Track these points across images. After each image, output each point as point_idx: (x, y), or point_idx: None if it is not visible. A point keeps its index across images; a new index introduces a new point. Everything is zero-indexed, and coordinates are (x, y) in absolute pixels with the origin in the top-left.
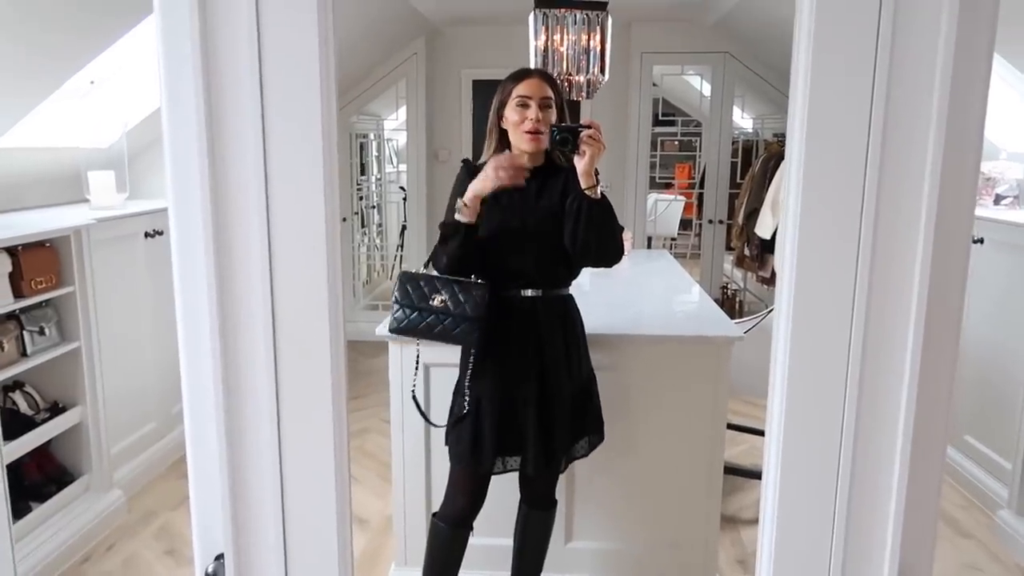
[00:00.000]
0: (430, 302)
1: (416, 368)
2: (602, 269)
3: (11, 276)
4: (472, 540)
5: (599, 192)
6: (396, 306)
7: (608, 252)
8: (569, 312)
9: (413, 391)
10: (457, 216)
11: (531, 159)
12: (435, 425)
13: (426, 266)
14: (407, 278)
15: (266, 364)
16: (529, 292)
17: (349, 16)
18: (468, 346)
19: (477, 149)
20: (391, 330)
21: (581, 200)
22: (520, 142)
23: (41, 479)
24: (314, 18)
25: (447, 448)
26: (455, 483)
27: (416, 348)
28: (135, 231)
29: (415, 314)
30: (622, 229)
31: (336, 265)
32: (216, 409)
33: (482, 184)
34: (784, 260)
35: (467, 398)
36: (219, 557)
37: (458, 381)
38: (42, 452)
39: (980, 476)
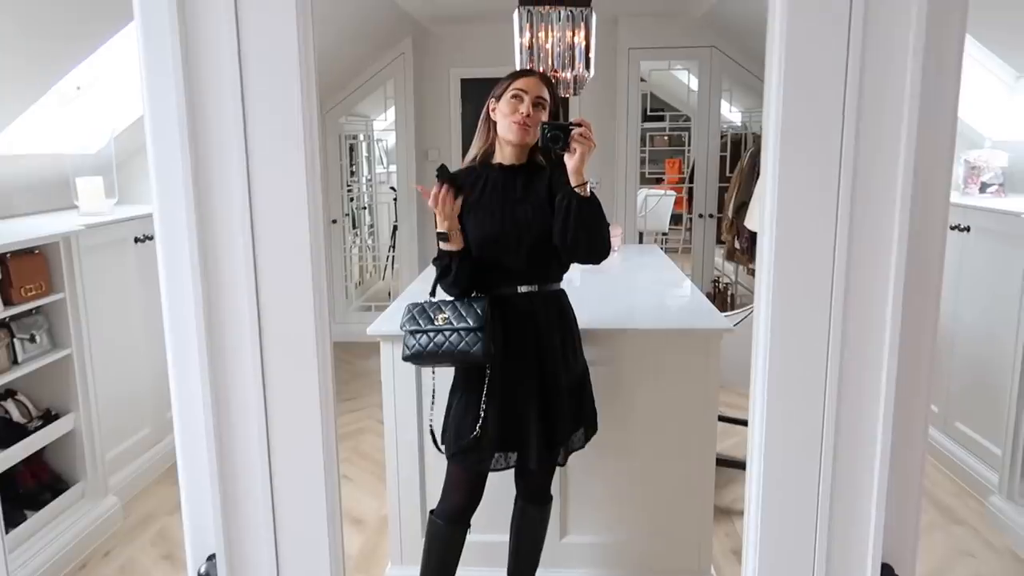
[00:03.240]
0: (434, 322)
1: (433, 399)
2: (592, 265)
3: (0, 284)
4: (468, 537)
5: (588, 190)
6: (407, 334)
7: (596, 249)
8: (563, 306)
9: (431, 424)
10: (444, 247)
11: (516, 156)
12: (444, 453)
13: (432, 294)
14: (413, 306)
15: (253, 365)
16: (524, 288)
17: (335, 16)
18: (473, 359)
19: (467, 148)
20: (405, 358)
21: (571, 198)
22: (506, 133)
23: (35, 487)
24: (293, 20)
25: (443, 446)
26: (453, 480)
27: (432, 380)
28: (125, 236)
29: (423, 337)
30: (609, 225)
31: (320, 264)
32: (204, 410)
33: (444, 222)
34: (762, 252)
35: (482, 416)
36: (211, 557)
37: (463, 397)
38: (36, 460)
39: (971, 463)
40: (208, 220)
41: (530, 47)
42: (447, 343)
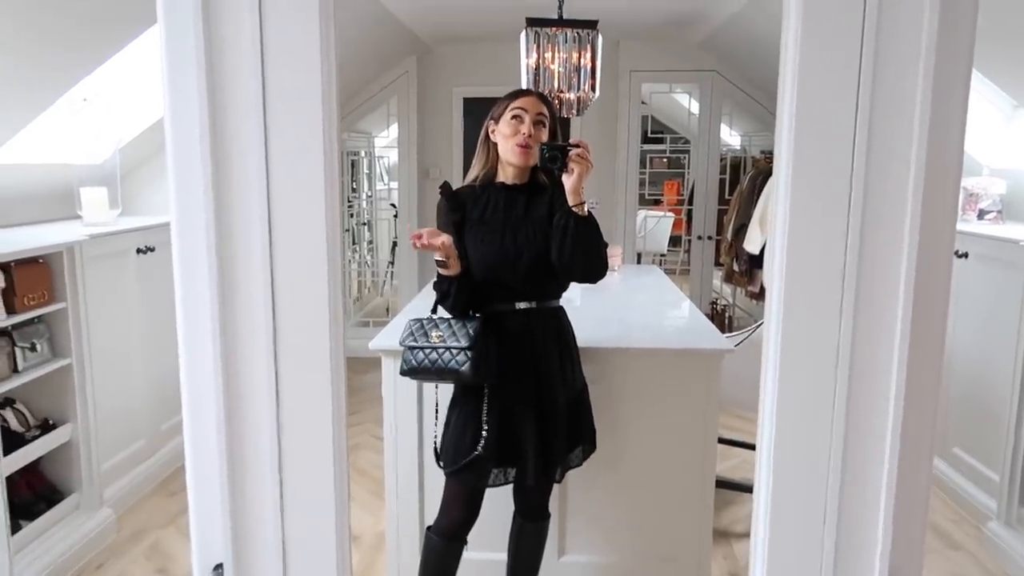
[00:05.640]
0: (429, 339)
1: (436, 415)
2: (589, 284)
3: (3, 292)
4: (465, 554)
5: (586, 209)
6: (405, 349)
7: (593, 268)
8: (561, 323)
9: (436, 441)
10: (443, 272)
11: (518, 176)
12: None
13: (433, 312)
14: (413, 322)
15: (267, 374)
16: (522, 305)
17: (341, 33)
18: (463, 378)
19: (468, 166)
20: (402, 373)
21: (568, 217)
22: (509, 155)
23: (31, 497)
24: (316, 33)
25: (441, 462)
26: (451, 495)
27: (435, 395)
28: (127, 247)
29: (419, 353)
30: (607, 245)
31: (336, 280)
32: (216, 420)
33: (441, 255)
34: (772, 275)
35: (484, 431)
36: (218, 567)
37: (461, 413)
38: (32, 470)
39: (969, 489)
40: (226, 231)
41: (536, 67)
42: (439, 360)
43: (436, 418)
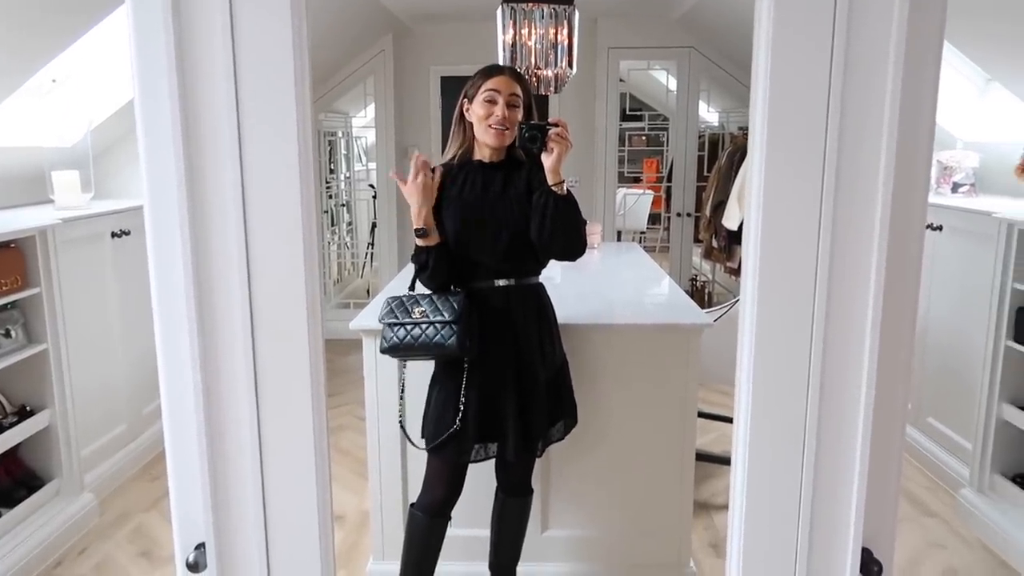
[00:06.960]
0: (411, 315)
1: (402, 395)
2: (568, 261)
3: None
4: (450, 531)
5: (565, 188)
6: (384, 326)
7: (573, 246)
8: (541, 299)
9: (400, 419)
10: (421, 243)
11: (494, 154)
12: (418, 447)
13: (411, 289)
14: (392, 299)
15: (244, 353)
16: (501, 282)
17: (316, 12)
18: (448, 352)
19: (446, 145)
20: (382, 351)
21: (548, 197)
22: (484, 136)
23: (10, 484)
24: (288, 10)
25: (423, 439)
26: (434, 472)
27: (402, 374)
28: (101, 231)
29: (400, 329)
30: (586, 223)
31: (313, 258)
32: (195, 398)
33: (416, 207)
34: (748, 250)
35: (461, 408)
36: (199, 546)
37: (443, 389)
38: (11, 456)
39: (943, 457)
40: (200, 212)
41: (513, 44)
42: (423, 336)
43: (401, 397)
